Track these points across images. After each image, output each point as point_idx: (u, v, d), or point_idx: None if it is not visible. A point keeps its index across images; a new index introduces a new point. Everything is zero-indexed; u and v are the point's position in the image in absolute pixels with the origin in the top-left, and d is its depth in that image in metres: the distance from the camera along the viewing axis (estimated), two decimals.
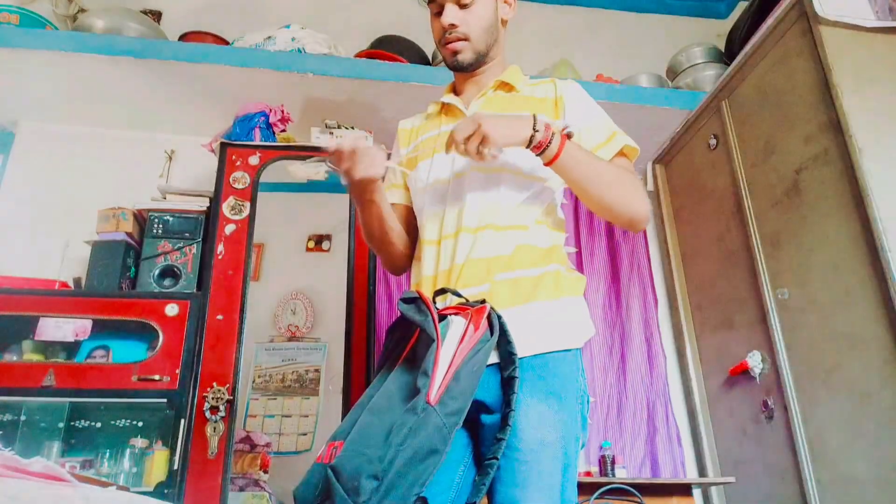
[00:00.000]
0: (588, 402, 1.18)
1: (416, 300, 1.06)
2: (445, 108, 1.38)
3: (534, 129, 1.10)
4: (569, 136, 1.15)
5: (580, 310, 1.21)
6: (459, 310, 1.06)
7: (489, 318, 1.04)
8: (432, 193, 1.29)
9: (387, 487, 0.85)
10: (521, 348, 1.08)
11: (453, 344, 0.98)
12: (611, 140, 1.25)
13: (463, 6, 1.28)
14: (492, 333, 1.03)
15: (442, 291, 1.14)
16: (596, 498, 2.12)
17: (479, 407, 1.10)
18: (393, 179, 1.46)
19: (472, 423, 1.13)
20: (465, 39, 1.29)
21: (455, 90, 1.40)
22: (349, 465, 0.86)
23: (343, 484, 0.85)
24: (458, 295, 1.12)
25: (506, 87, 1.34)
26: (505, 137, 1.08)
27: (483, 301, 1.09)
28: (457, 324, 1.01)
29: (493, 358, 1.09)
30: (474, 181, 1.24)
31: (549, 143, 1.10)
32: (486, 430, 1.09)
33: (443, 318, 1.07)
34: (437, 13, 1.30)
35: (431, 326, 0.98)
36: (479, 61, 1.32)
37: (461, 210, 1.22)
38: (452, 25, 1.28)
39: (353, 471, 0.86)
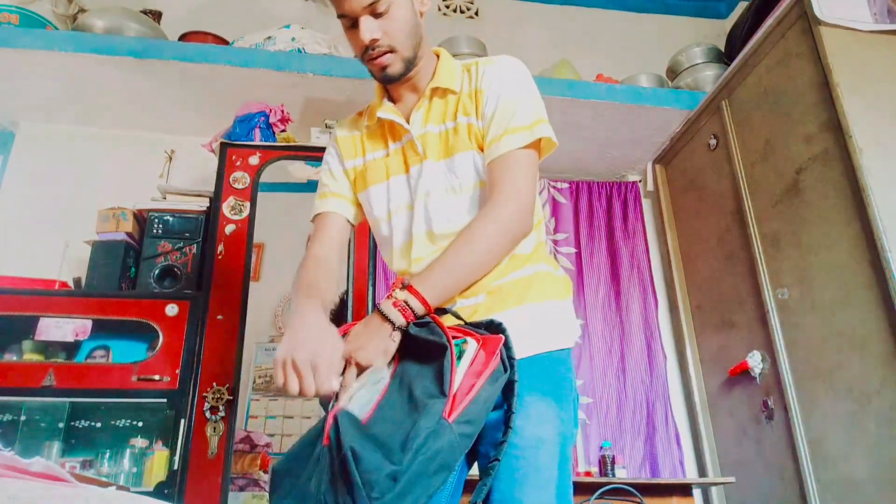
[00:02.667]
0: (578, 399, 1.18)
1: (428, 324, 1.04)
2: (388, 124, 1.27)
3: (389, 322, 1.02)
4: (401, 284, 1.06)
5: (569, 311, 1.22)
6: (465, 333, 1.04)
7: (503, 350, 1.03)
8: (397, 219, 1.23)
9: (399, 492, 0.85)
10: (517, 350, 1.08)
11: (465, 366, 0.97)
12: (501, 138, 1.14)
13: (378, 15, 1.14)
14: (505, 370, 1.01)
15: (443, 312, 1.13)
16: (596, 498, 2.12)
17: None
18: (333, 188, 1.33)
19: None
20: (391, 51, 1.17)
21: (389, 96, 1.29)
22: (371, 458, 0.85)
23: (361, 473, 0.84)
24: (458, 316, 1.11)
25: (440, 92, 1.24)
26: (373, 349, 1.00)
27: (496, 326, 1.05)
28: (470, 346, 1.01)
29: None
30: (440, 199, 1.19)
31: (412, 310, 1.03)
32: (484, 429, 1.10)
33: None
34: (353, 25, 1.16)
35: (448, 353, 0.96)
36: (410, 68, 1.21)
37: (431, 231, 1.18)
38: (374, 41, 1.15)
39: (374, 464, 0.85)
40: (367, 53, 1.18)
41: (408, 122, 1.24)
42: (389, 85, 1.26)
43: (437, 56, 1.28)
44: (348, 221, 1.33)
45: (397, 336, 1.03)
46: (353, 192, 1.32)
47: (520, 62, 1.24)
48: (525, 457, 1.04)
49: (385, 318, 1.03)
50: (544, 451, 1.05)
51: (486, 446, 1.08)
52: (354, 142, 1.33)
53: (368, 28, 1.14)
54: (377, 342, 1.01)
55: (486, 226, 1.10)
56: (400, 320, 1.02)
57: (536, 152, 1.17)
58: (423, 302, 1.04)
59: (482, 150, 1.19)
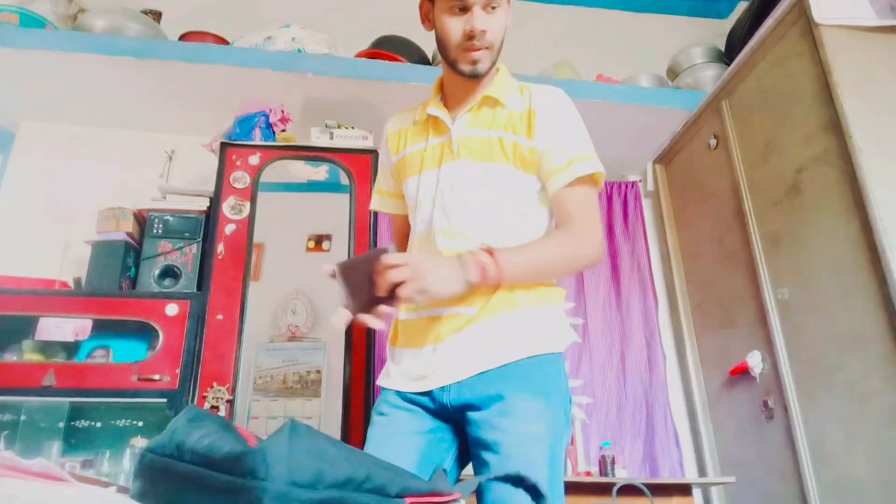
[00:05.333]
0: (571, 401, 1.21)
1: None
2: (433, 120, 1.33)
3: (464, 271, 1.07)
4: (489, 251, 1.09)
5: (559, 317, 1.25)
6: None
7: None
8: (421, 211, 1.28)
9: None
10: (509, 353, 1.13)
11: None
12: (568, 167, 1.20)
13: (491, 10, 1.20)
14: None
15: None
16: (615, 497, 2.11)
17: (466, 407, 1.14)
18: (384, 186, 1.45)
19: (458, 425, 1.17)
20: (488, 48, 1.21)
21: (444, 91, 1.34)
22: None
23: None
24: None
25: (491, 101, 1.28)
26: (443, 288, 1.03)
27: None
28: None
29: (481, 367, 1.13)
30: (463, 197, 1.23)
31: (487, 275, 1.08)
32: (472, 426, 1.13)
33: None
34: (462, 9, 1.19)
35: None
36: (488, 70, 1.26)
37: (451, 226, 1.22)
38: (483, 32, 1.19)
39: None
40: (468, 43, 1.20)
41: (453, 121, 1.28)
42: (469, 79, 1.26)
43: (497, 70, 1.32)
44: (404, 217, 1.44)
45: (462, 287, 1.06)
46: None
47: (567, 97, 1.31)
48: (515, 454, 1.05)
49: (462, 265, 1.06)
50: (534, 448, 1.07)
51: (474, 442, 1.11)
52: (401, 136, 1.39)
53: (482, 18, 1.18)
54: (450, 282, 1.04)
55: (569, 240, 1.18)
56: (474, 276, 1.06)
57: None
58: (500, 271, 1.08)
59: (522, 167, 1.24)
